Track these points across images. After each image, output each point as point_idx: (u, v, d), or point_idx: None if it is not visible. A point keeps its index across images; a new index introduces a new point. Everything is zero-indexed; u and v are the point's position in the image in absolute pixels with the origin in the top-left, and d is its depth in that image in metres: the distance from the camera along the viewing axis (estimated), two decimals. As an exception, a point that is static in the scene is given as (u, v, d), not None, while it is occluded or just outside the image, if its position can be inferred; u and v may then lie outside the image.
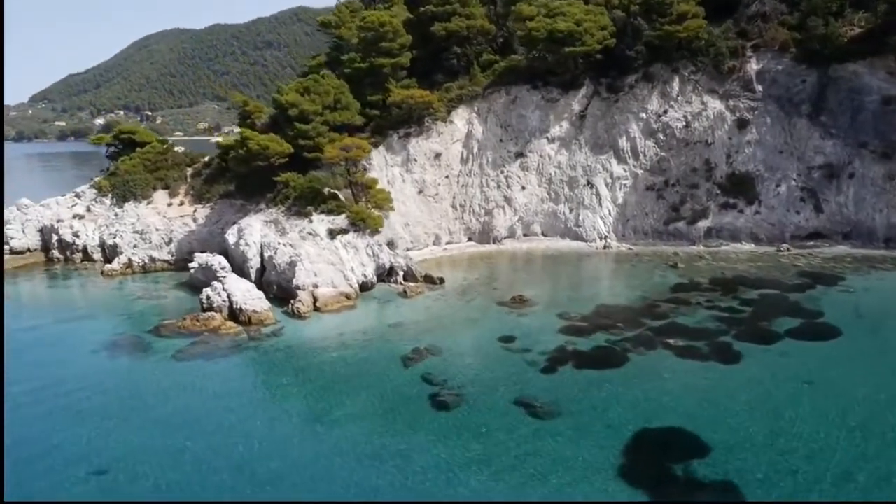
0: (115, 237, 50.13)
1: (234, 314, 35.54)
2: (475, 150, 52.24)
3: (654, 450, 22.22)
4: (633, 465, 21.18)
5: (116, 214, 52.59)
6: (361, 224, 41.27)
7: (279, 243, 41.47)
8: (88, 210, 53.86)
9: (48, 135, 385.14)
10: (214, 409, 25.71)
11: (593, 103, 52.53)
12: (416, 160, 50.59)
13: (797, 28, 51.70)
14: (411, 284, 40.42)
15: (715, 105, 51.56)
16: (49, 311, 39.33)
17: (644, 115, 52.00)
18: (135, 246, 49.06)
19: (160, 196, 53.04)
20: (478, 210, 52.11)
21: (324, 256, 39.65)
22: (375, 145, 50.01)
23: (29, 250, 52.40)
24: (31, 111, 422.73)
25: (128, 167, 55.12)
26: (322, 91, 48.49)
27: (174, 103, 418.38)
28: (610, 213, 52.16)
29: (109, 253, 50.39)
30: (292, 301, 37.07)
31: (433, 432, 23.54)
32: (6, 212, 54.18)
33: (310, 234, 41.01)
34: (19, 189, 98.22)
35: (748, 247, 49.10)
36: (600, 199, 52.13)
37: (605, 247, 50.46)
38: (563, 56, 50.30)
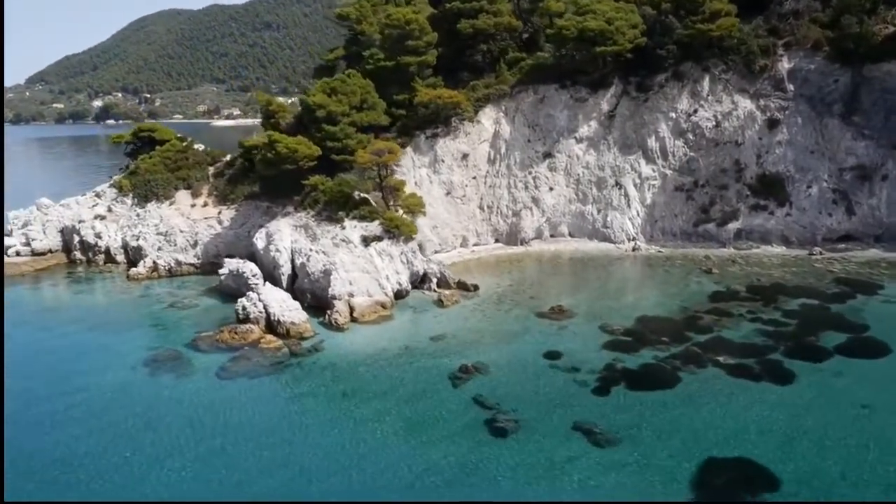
0: (137, 239, 49.48)
1: (272, 326, 35.07)
2: (503, 150, 51.49)
3: (722, 483, 21.90)
4: (704, 501, 20.88)
5: (138, 215, 51.94)
6: (395, 231, 40.68)
7: (311, 250, 40.92)
8: (109, 210, 53.21)
9: (46, 117, 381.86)
10: (266, 438, 25.12)
11: (622, 103, 51.74)
12: (443, 161, 49.88)
13: (830, 26, 50.90)
14: (446, 292, 39.94)
15: (745, 104, 50.84)
16: (79, 319, 38.72)
17: (673, 115, 51.29)
18: (159, 248, 48.43)
19: (182, 196, 52.33)
20: (505, 211, 51.52)
21: (358, 265, 39.11)
22: (402, 146, 49.14)
23: (50, 251, 51.76)
24: (28, 93, 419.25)
25: (148, 166, 54.35)
26: (349, 91, 47.68)
27: (172, 85, 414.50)
28: (638, 214, 51.62)
29: (133, 255, 49.80)
30: (329, 311, 36.60)
31: (495, 462, 23.14)
32: (27, 213, 53.54)
33: (343, 241, 40.43)
34: (24, 180, 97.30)
35: (779, 249, 48.65)
36: (629, 199, 51.56)
37: (633, 249, 49.96)
38: (593, 55, 49.41)
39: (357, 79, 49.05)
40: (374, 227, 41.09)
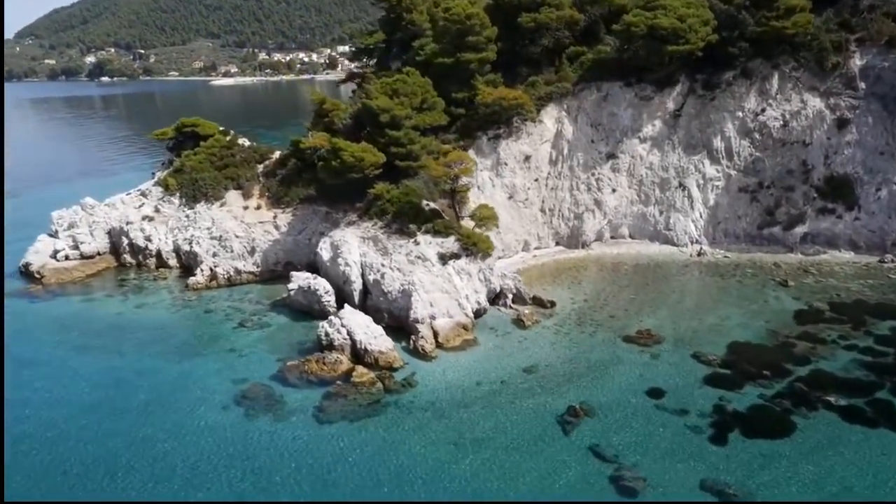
0: (190, 243, 48.07)
1: (358, 354, 34.19)
2: (565, 151, 49.94)
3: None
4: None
5: (188, 216, 50.43)
6: (473, 248, 39.51)
7: (383, 265, 39.83)
8: (157, 210, 51.67)
9: (38, 73, 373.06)
10: (389, 496, 24.63)
11: (688, 101, 50.00)
12: (506, 164, 48.36)
13: (905, 21, 49.00)
14: (526, 311, 39.03)
15: (815, 103, 49.22)
16: (149, 341, 37.47)
17: (740, 114, 49.65)
18: (214, 254, 47.10)
19: (233, 197, 50.73)
20: (567, 214, 50.23)
21: (437, 284, 38.05)
22: (464, 148, 47.63)
23: (98, 254, 50.34)
24: (18, 48, 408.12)
25: (194, 164, 52.57)
26: (410, 92, 45.81)
27: (166, 41, 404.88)
28: (701, 216, 50.46)
29: (186, 259, 48.55)
30: (413, 337, 35.74)
31: (636, 531, 22.72)
32: (71, 213, 51.84)
33: (418, 258, 39.26)
34: (41, 160, 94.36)
35: (847, 255, 47.78)
36: (692, 201, 50.32)
37: (698, 253, 48.96)
38: (662, 53, 47.43)
39: (416, 77, 47.09)
40: (451, 244, 39.88)
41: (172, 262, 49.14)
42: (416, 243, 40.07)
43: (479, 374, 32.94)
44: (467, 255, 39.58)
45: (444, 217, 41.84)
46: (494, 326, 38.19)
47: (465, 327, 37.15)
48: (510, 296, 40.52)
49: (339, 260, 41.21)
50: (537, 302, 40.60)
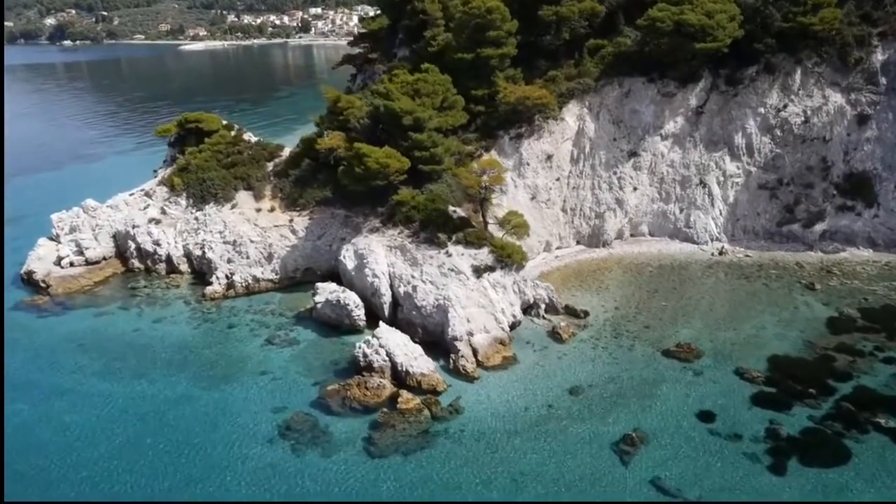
0: (202, 248, 46.35)
1: (399, 376, 33.42)
2: (587, 149, 48.89)
3: None
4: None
5: (197, 219, 48.56)
6: (508, 260, 38.60)
7: (413, 276, 38.85)
8: (163, 212, 49.66)
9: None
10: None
11: (711, 97, 49.12)
12: (528, 164, 47.22)
13: (928, 14, 48.43)
14: (562, 323, 38.45)
15: (836, 99, 48.79)
16: (175, 363, 36.13)
17: (762, 110, 49.02)
18: (229, 260, 45.47)
19: (245, 199, 48.88)
20: (588, 213, 49.48)
21: (473, 299, 37.21)
22: (486, 149, 46.49)
23: (104, 258, 48.36)
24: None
25: (199, 162, 50.45)
26: (431, 91, 44.27)
27: (130, 1, 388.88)
28: (721, 214, 50.14)
29: (198, 264, 46.87)
30: (453, 356, 35.00)
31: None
32: (72, 215, 49.53)
33: (451, 270, 38.26)
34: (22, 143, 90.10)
35: (866, 253, 48.01)
36: (712, 198, 49.92)
37: (720, 252, 48.73)
38: (688, 50, 46.28)
39: (436, 75, 45.48)
40: (485, 256, 38.92)
41: (184, 266, 47.42)
42: (448, 254, 39.04)
43: (524, 398, 32.42)
44: (502, 268, 38.69)
45: (473, 225, 40.79)
46: (531, 340, 37.60)
47: (502, 342, 36.52)
48: (543, 306, 39.90)
49: (366, 270, 40.07)
50: (570, 312, 40.08)
